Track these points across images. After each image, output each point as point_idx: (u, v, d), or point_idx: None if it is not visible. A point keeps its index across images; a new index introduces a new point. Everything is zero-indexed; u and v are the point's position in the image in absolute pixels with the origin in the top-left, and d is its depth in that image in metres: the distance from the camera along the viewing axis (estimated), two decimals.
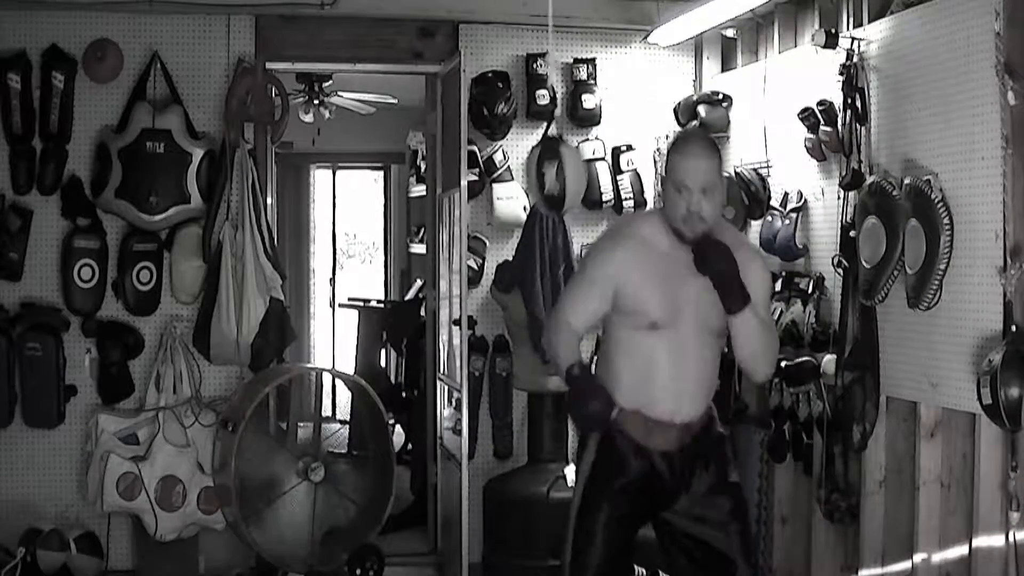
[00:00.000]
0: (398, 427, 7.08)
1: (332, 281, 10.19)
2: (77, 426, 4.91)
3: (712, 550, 3.24)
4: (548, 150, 3.08)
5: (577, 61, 5.30)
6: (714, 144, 3.28)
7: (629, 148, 5.29)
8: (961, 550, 3.57)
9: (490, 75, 5.18)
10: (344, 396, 7.99)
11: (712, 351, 3.27)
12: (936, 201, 3.52)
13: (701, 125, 5.14)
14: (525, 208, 5.16)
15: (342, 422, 7.67)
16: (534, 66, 5.23)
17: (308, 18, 5.10)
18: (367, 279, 13.02)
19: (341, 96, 7.80)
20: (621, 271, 3.20)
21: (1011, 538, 3.35)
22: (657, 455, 3.22)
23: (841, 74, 4.02)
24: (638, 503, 3.26)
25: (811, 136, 4.27)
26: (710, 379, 3.30)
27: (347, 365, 8.35)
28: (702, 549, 3.25)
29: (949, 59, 3.56)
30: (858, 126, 3.99)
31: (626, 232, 3.34)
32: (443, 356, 5.29)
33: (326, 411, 8.42)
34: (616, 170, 5.26)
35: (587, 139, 5.27)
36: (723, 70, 5.35)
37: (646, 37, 5.27)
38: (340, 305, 9.70)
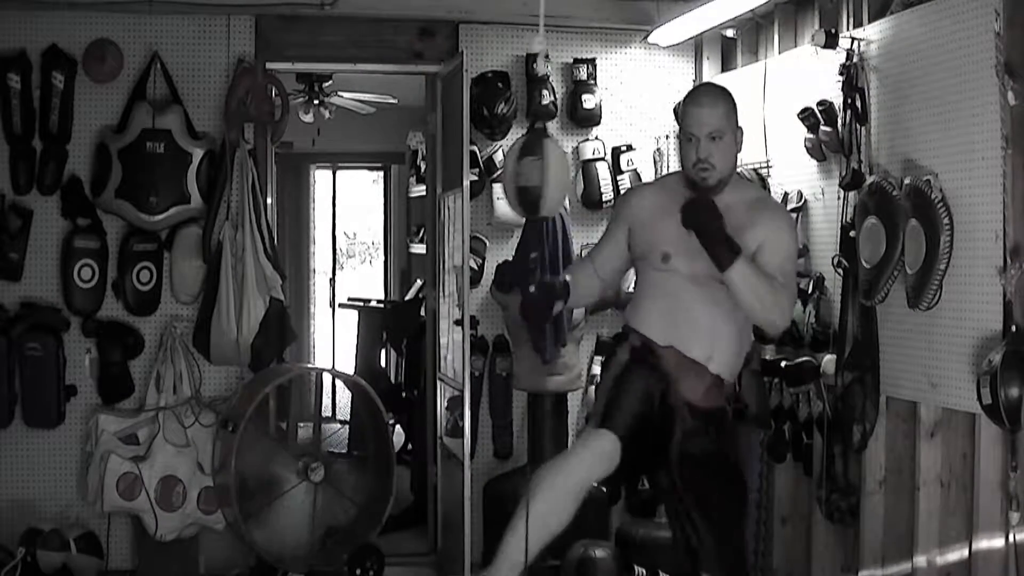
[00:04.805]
0: (398, 427, 7.08)
1: (332, 281, 10.20)
2: (77, 426, 4.91)
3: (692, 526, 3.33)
4: (532, 143, 3.02)
5: (577, 61, 5.30)
6: (725, 92, 3.34)
7: (629, 148, 5.29)
8: (961, 550, 3.57)
9: (490, 75, 5.18)
10: (344, 396, 7.99)
11: (731, 304, 3.24)
12: (936, 201, 3.52)
13: None
14: None
15: (342, 422, 7.68)
16: (534, 66, 5.23)
17: (308, 18, 5.10)
18: (367, 279, 13.04)
19: (341, 96, 7.81)
20: (633, 212, 3.41)
21: (1011, 538, 3.35)
22: (680, 402, 3.26)
23: (841, 74, 4.02)
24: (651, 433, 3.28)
25: (811, 136, 4.27)
26: (740, 334, 3.33)
27: (347, 365, 8.35)
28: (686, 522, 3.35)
29: (949, 59, 3.56)
30: (858, 126, 3.99)
31: (645, 184, 3.46)
32: (443, 356, 5.30)
33: (326, 411, 8.42)
34: (616, 170, 5.26)
35: (587, 139, 5.27)
36: (723, 70, 5.35)
37: (646, 37, 5.27)
38: (340, 305, 9.70)
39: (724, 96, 3.34)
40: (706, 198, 3.18)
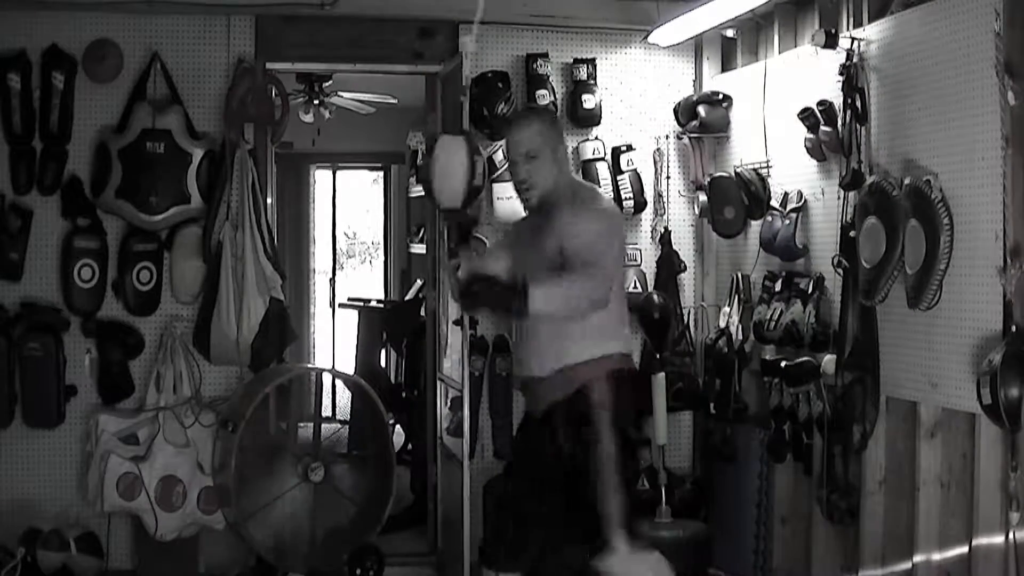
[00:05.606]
0: (398, 427, 7.08)
1: (332, 281, 10.20)
2: (77, 426, 4.91)
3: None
4: (430, 146, 3.48)
5: (577, 61, 5.29)
6: (537, 113, 3.62)
7: (629, 148, 5.29)
8: (961, 550, 3.57)
9: (490, 75, 5.18)
10: (344, 396, 7.98)
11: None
12: (936, 201, 3.52)
13: (701, 125, 5.15)
14: None
15: (342, 422, 7.67)
16: (534, 66, 5.23)
17: (308, 18, 5.10)
18: (367, 279, 13.05)
19: (341, 96, 7.81)
20: (509, 243, 3.87)
21: (1011, 538, 3.36)
22: (533, 413, 3.64)
23: (841, 74, 4.02)
24: (530, 461, 3.66)
25: (811, 136, 4.28)
26: (550, 335, 3.46)
27: (347, 365, 8.35)
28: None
29: (949, 59, 3.56)
30: (858, 126, 3.99)
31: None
32: (443, 356, 5.30)
33: (326, 411, 8.42)
34: (616, 170, 5.26)
35: (587, 139, 5.27)
36: (723, 70, 5.36)
37: (646, 37, 5.26)
38: (340, 305, 9.70)
39: (536, 117, 3.61)
40: (478, 276, 3.45)
